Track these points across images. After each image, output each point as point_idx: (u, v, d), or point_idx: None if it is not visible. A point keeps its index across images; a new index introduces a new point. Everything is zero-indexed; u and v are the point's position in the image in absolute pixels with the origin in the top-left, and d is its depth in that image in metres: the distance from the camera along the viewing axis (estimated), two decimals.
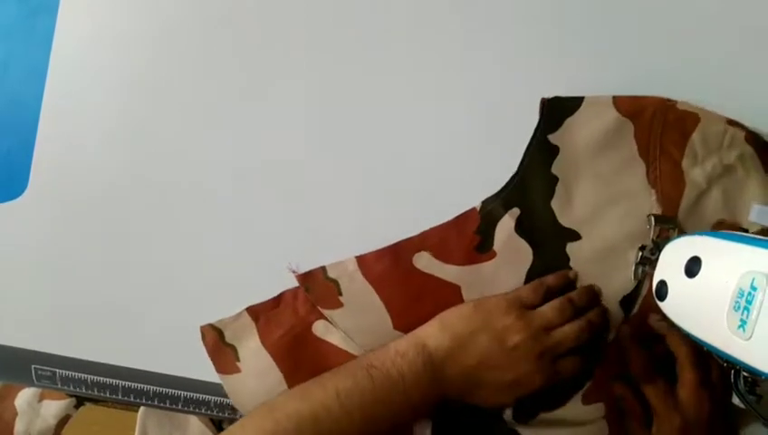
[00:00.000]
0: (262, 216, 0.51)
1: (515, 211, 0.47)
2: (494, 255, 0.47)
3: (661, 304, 0.39)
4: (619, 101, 0.46)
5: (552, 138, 0.47)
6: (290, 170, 0.50)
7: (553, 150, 0.47)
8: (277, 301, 0.50)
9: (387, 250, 0.48)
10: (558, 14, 0.48)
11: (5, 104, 0.51)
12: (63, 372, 0.53)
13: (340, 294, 0.48)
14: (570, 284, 0.47)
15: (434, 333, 0.45)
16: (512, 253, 0.47)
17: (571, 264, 0.47)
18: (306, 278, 0.49)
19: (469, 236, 0.47)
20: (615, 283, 0.47)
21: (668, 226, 0.45)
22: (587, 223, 0.46)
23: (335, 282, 0.48)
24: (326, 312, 0.48)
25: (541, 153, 0.47)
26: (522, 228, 0.47)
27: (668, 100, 0.46)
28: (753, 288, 0.32)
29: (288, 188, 0.50)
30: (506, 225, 0.47)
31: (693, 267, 0.36)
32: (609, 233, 0.46)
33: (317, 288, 0.49)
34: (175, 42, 0.50)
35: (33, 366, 0.53)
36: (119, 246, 0.51)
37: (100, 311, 0.52)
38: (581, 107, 0.46)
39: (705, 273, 0.36)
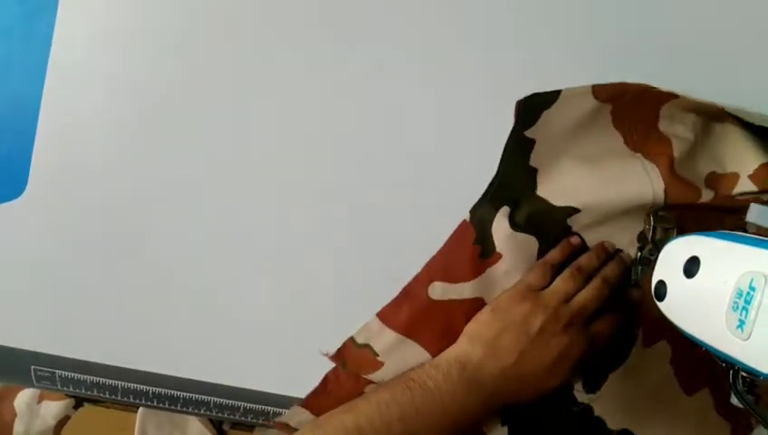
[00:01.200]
0: (262, 215, 0.51)
1: (505, 209, 0.47)
2: (499, 256, 0.47)
3: (660, 305, 0.39)
4: (597, 90, 0.45)
5: (529, 132, 0.46)
6: (290, 170, 0.50)
7: (529, 143, 0.47)
8: (324, 385, 0.50)
9: (401, 296, 0.49)
10: (559, 25, 0.48)
11: (5, 104, 0.51)
12: (63, 372, 0.53)
13: (377, 355, 0.49)
14: (576, 250, 0.47)
15: (464, 346, 0.45)
16: (516, 248, 0.47)
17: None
18: (339, 356, 0.49)
19: (469, 248, 0.47)
20: (622, 240, 0.47)
21: (667, 225, 0.45)
22: (580, 196, 0.46)
23: (367, 346, 0.49)
24: (370, 376, 0.49)
25: (517, 149, 0.47)
26: (516, 222, 0.46)
27: (652, 86, 0.45)
28: (752, 288, 0.32)
29: (289, 187, 0.50)
30: (501, 224, 0.47)
31: (692, 267, 0.36)
32: (605, 196, 0.45)
33: (353, 360, 0.49)
34: (175, 42, 0.50)
35: (32, 367, 0.53)
36: (118, 246, 0.51)
37: (99, 312, 0.52)
38: (559, 99, 0.46)
39: (703, 273, 0.36)
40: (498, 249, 0.47)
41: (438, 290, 0.48)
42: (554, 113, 0.46)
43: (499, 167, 0.47)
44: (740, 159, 0.45)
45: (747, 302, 0.32)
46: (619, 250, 0.48)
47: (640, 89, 0.44)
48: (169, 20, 0.50)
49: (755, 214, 0.42)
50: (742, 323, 0.32)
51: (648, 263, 0.45)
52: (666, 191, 0.44)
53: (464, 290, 0.48)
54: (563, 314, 0.44)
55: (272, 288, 0.51)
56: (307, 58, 0.50)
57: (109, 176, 0.51)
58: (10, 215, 0.51)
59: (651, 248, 0.45)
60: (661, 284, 0.39)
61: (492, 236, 0.47)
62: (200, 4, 0.50)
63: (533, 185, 0.47)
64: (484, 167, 0.48)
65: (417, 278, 0.48)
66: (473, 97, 0.49)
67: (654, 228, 0.46)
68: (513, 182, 0.47)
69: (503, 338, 0.44)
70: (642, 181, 0.44)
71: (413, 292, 0.48)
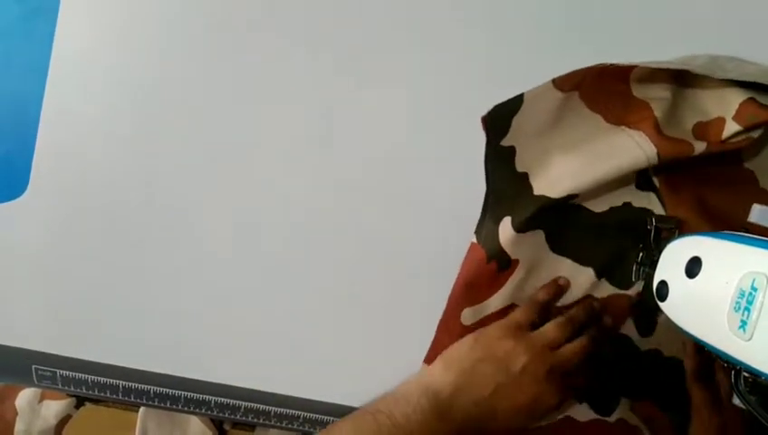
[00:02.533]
0: (263, 216, 0.51)
1: (506, 220, 0.47)
2: (516, 262, 0.47)
3: (662, 305, 0.39)
4: (558, 82, 0.45)
5: (505, 141, 0.46)
6: (290, 169, 0.50)
7: (509, 151, 0.47)
8: None
9: (439, 335, 0.49)
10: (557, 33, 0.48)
11: (6, 104, 0.51)
12: (64, 372, 0.53)
13: None
14: (562, 289, 0.48)
15: (438, 372, 0.45)
16: (527, 247, 0.47)
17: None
18: None
19: (485, 268, 0.47)
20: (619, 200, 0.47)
21: (669, 226, 0.45)
22: (575, 180, 0.45)
23: None
24: None
25: (499, 160, 0.47)
26: (519, 226, 0.46)
27: (608, 63, 0.45)
28: (754, 289, 0.32)
29: (289, 186, 0.50)
30: (506, 233, 0.47)
31: (693, 268, 0.36)
32: (600, 174, 0.45)
33: None
34: (176, 41, 0.50)
35: (33, 366, 0.53)
36: (119, 246, 0.52)
37: (100, 311, 0.52)
38: (524, 102, 0.46)
39: (705, 273, 0.36)
40: (513, 256, 0.47)
41: (469, 314, 0.48)
42: (524, 116, 0.46)
43: (487, 182, 0.47)
44: (721, 103, 0.44)
45: (749, 302, 0.32)
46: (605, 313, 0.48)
47: (598, 69, 0.44)
48: (171, 20, 0.50)
49: (757, 214, 0.42)
50: (744, 324, 0.32)
51: (650, 263, 0.45)
52: (658, 152, 0.43)
53: (494, 303, 0.48)
54: (547, 360, 0.43)
55: (273, 288, 0.51)
56: (310, 55, 0.50)
57: (109, 176, 0.51)
58: (11, 214, 0.51)
59: (653, 249, 0.45)
60: (663, 284, 0.39)
61: (503, 249, 0.47)
62: (201, 5, 0.50)
63: (528, 187, 0.47)
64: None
65: (446, 313, 0.49)
66: (475, 104, 0.49)
67: (655, 229, 0.45)
68: (507, 192, 0.47)
69: (481, 369, 0.43)
70: (632, 150, 0.44)
71: (448, 327, 0.48)
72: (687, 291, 0.37)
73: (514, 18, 0.48)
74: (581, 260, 0.48)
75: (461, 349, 0.45)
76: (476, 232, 0.48)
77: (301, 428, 0.54)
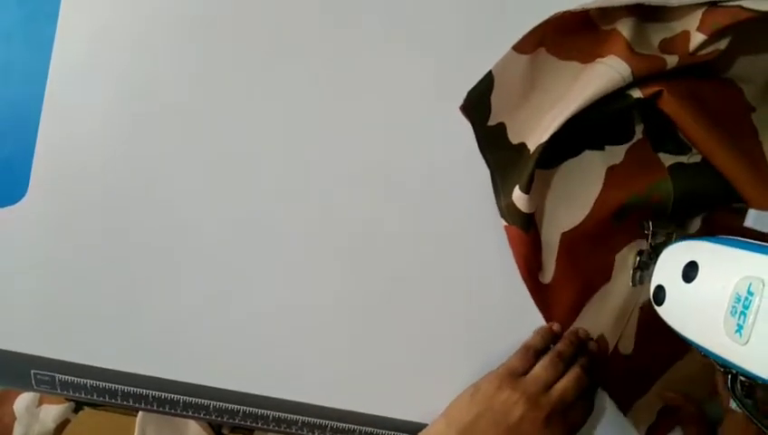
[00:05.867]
0: (263, 217, 0.51)
1: (517, 189, 0.46)
2: (535, 232, 0.48)
3: (659, 309, 0.39)
4: (518, 47, 0.46)
5: (491, 121, 0.47)
6: (290, 169, 0.50)
7: (500, 129, 0.47)
8: None
9: (538, 302, 0.49)
10: None
11: (6, 108, 0.51)
12: (62, 376, 0.53)
13: None
14: (556, 337, 0.48)
15: (441, 429, 0.46)
16: (536, 190, 0.47)
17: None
18: None
19: (528, 238, 0.47)
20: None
21: (666, 230, 0.46)
22: (560, 118, 0.45)
23: None
24: None
25: (492, 140, 0.47)
26: (525, 187, 0.46)
27: (562, 11, 0.45)
28: (750, 293, 0.32)
29: (290, 184, 0.50)
30: (522, 200, 0.46)
31: (690, 272, 0.37)
32: (582, 99, 0.45)
33: None
34: (176, 44, 0.50)
35: (32, 371, 0.53)
36: (118, 250, 0.52)
37: (99, 315, 0.52)
38: (495, 78, 0.46)
39: (702, 277, 0.36)
40: (535, 217, 0.48)
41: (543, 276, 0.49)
42: (500, 91, 0.46)
43: (489, 165, 0.47)
44: (683, 16, 0.45)
45: (746, 307, 0.32)
46: (591, 339, 0.49)
47: (554, 21, 0.45)
48: (171, 23, 0.50)
49: (753, 219, 0.42)
50: (740, 328, 0.32)
51: (647, 267, 0.45)
52: (631, 70, 0.44)
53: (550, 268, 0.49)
54: (544, 404, 0.44)
55: (272, 291, 0.51)
56: (311, 55, 0.50)
57: (110, 179, 0.51)
58: (11, 219, 0.51)
59: (650, 253, 0.45)
60: (660, 288, 0.39)
61: (523, 215, 0.47)
62: (202, 6, 0.50)
63: (527, 152, 0.47)
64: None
65: (529, 289, 0.49)
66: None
67: (653, 233, 0.46)
68: (510, 166, 0.47)
69: (480, 423, 0.44)
70: (607, 73, 0.44)
71: (536, 291, 0.49)
72: (684, 295, 0.37)
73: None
74: (580, 149, 0.48)
75: (461, 405, 0.46)
76: (501, 216, 0.48)
77: (299, 432, 0.54)
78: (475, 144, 0.49)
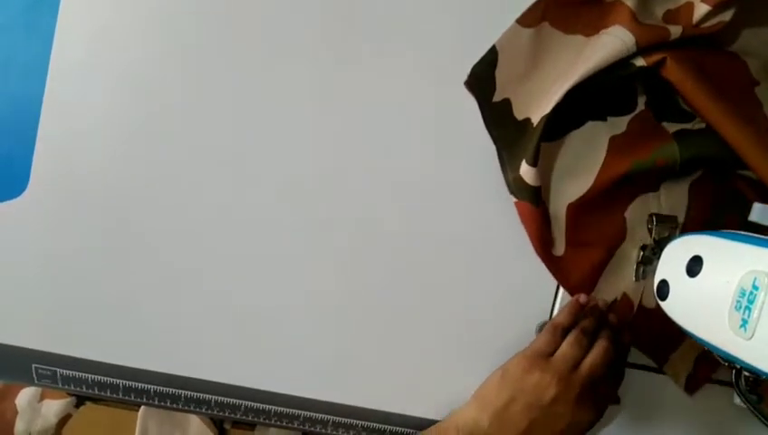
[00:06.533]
0: (262, 214, 0.51)
1: (524, 163, 0.46)
2: (544, 206, 0.48)
3: (663, 304, 0.39)
4: (522, 20, 0.46)
5: (496, 97, 0.47)
6: (290, 168, 0.50)
7: (505, 105, 0.47)
8: None
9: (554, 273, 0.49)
10: None
11: (6, 103, 0.51)
12: (64, 371, 0.53)
13: None
14: (583, 308, 0.48)
15: (472, 413, 0.46)
16: (542, 161, 0.46)
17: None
18: None
19: (539, 212, 0.47)
20: None
21: (670, 225, 0.45)
22: (564, 88, 0.45)
23: None
24: None
25: (497, 116, 0.47)
26: (532, 160, 0.46)
27: None
28: (755, 288, 0.32)
29: (290, 184, 0.50)
30: (529, 173, 0.46)
31: (694, 267, 0.36)
32: (587, 70, 0.45)
33: None
34: (176, 39, 0.50)
35: (33, 365, 0.53)
36: (119, 245, 0.51)
37: (100, 310, 0.52)
38: (498, 52, 0.46)
39: (706, 272, 0.36)
40: (542, 193, 0.48)
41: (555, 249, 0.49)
42: (505, 66, 0.46)
43: (495, 142, 0.47)
44: None
45: (750, 301, 0.32)
46: (610, 311, 0.48)
47: None
48: (171, 18, 0.50)
49: (758, 213, 0.41)
50: (745, 323, 0.32)
51: (651, 262, 0.45)
52: (635, 39, 0.43)
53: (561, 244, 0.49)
54: (575, 382, 0.44)
55: (272, 286, 0.51)
56: (311, 54, 0.50)
57: (110, 175, 0.51)
58: (11, 213, 0.51)
59: (654, 248, 0.45)
60: (664, 283, 0.39)
61: (538, 187, 0.47)
62: (202, 3, 0.50)
63: (531, 126, 0.47)
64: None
65: (545, 263, 0.49)
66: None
67: (656, 228, 0.45)
68: (517, 142, 0.47)
69: (512, 407, 0.44)
70: (611, 43, 0.44)
71: (551, 264, 0.49)
72: (688, 290, 0.37)
73: None
74: (583, 121, 0.48)
75: (491, 389, 0.46)
76: (511, 192, 0.48)
77: (301, 427, 0.54)
78: (476, 140, 0.48)
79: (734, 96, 0.44)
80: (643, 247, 0.46)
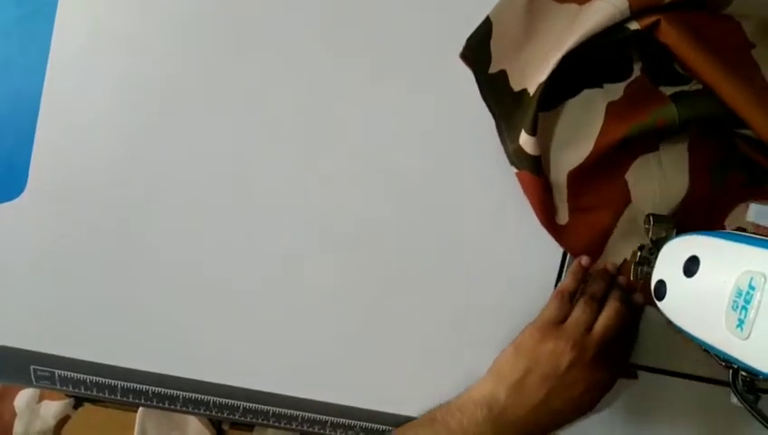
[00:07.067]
0: (262, 214, 0.51)
1: (523, 132, 0.46)
2: (545, 176, 0.48)
3: (660, 304, 0.39)
4: None
5: (492, 68, 0.47)
6: (290, 168, 0.50)
7: (501, 76, 0.47)
8: None
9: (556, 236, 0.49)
10: None
11: (4, 104, 0.51)
12: (62, 372, 0.53)
13: None
14: (587, 271, 0.48)
15: (489, 387, 0.46)
16: (540, 131, 0.46)
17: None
18: None
19: (540, 181, 0.47)
20: None
21: (667, 225, 0.45)
22: (558, 55, 0.45)
23: None
24: None
25: (493, 88, 0.47)
26: (531, 129, 0.46)
27: None
28: (752, 288, 0.32)
29: (290, 184, 0.50)
30: (529, 142, 0.46)
31: (691, 267, 0.36)
32: (580, 35, 0.44)
33: None
34: (175, 41, 0.50)
35: (31, 366, 0.53)
36: (118, 246, 0.51)
37: (99, 311, 0.52)
38: (493, 23, 0.46)
39: (703, 272, 0.36)
40: (543, 165, 0.48)
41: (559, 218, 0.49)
42: (499, 37, 0.46)
43: (493, 114, 0.48)
44: None
45: (747, 301, 0.32)
46: (619, 273, 0.48)
47: None
48: (169, 20, 0.50)
49: (754, 213, 0.42)
50: (741, 323, 0.32)
51: (648, 262, 0.45)
52: (629, 4, 0.43)
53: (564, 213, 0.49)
54: (589, 346, 0.44)
55: (272, 288, 0.51)
56: (311, 57, 0.50)
57: (108, 175, 0.51)
58: (10, 215, 0.51)
59: (650, 248, 0.45)
60: (661, 283, 0.39)
61: (538, 156, 0.47)
62: (200, 4, 0.50)
63: (528, 96, 0.47)
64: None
65: (550, 232, 0.49)
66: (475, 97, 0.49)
67: (653, 228, 0.45)
68: (514, 113, 0.47)
69: (528, 378, 0.44)
70: (604, 9, 0.44)
71: (557, 234, 0.49)
72: (685, 290, 0.37)
73: None
74: (579, 89, 0.48)
75: (506, 363, 0.46)
76: (511, 163, 0.48)
77: (299, 428, 0.54)
78: (476, 135, 0.49)
79: (730, 58, 0.44)
80: (640, 248, 0.46)
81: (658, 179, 0.48)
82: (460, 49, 0.48)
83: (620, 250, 0.49)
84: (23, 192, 0.51)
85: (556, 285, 0.50)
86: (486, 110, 0.49)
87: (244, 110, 0.50)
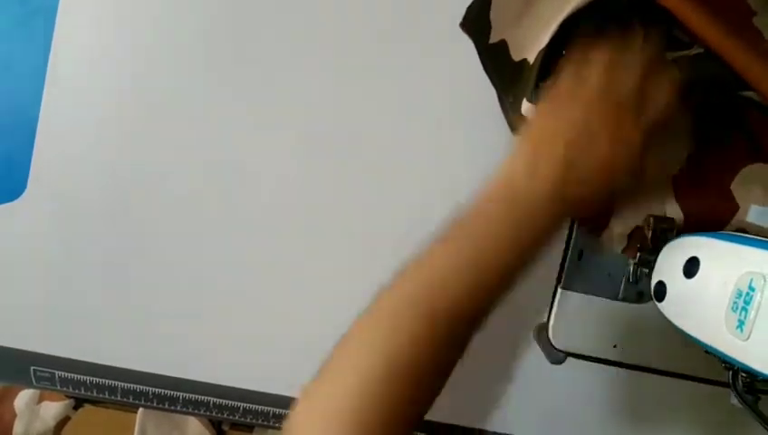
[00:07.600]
0: (262, 216, 0.51)
1: (524, 101, 0.45)
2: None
3: (660, 305, 0.39)
4: None
5: (492, 39, 0.47)
6: (290, 168, 0.50)
7: (502, 46, 0.47)
8: None
9: None
10: None
11: (5, 105, 0.51)
12: (62, 373, 0.53)
13: None
14: None
15: (508, 168, 0.39)
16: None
17: None
18: None
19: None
20: None
21: (667, 226, 0.46)
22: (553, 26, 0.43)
23: None
24: None
25: (494, 58, 0.47)
26: (530, 98, 0.44)
27: None
28: (752, 289, 0.32)
29: (290, 184, 0.50)
30: (531, 112, 0.45)
31: (691, 268, 0.36)
32: (574, 5, 0.43)
33: None
34: (175, 43, 0.50)
35: (32, 367, 0.53)
36: (118, 247, 0.51)
37: (99, 312, 0.52)
38: None
39: (703, 273, 0.36)
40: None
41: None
42: (498, 7, 0.46)
43: (495, 86, 0.47)
44: None
45: (747, 302, 0.32)
46: None
47: None
48: (170, 21, 0.50)
49: (755, 215, 0.42)
50: (741, 324, 0.32)
51: (648, 264, 0.45)
52: None
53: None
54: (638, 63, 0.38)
55: (271, 289, 0.51)
56: (310, 55, 0.50)
57: (108, 176, 0.51)
58: (10, 216, 0.51)
59: (651, 249, 0.45)
60: (661, 284, 0.39)
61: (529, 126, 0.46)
62: (199, 6, 0.50)
63: (529, 64, 0.46)
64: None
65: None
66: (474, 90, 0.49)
67: (653, 230, 0.46)
68: (516, 83, 0.47)
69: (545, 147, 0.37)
70: None
71: None
72: (685, 291, 0.37)
73: None
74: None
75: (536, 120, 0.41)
76: (513, 132, 0.48)
77: None
78: (475, 132, 0.49)
79: (732, 21, 0.44)
80: (640, 249, 0.46)
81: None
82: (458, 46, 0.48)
83: (630, 217, 0.48)
84: (23, 192, 0.51)
85: (556, 282, 0.50)
86: (489, 106, 0.48)
87: (246, 111, 0.50)
